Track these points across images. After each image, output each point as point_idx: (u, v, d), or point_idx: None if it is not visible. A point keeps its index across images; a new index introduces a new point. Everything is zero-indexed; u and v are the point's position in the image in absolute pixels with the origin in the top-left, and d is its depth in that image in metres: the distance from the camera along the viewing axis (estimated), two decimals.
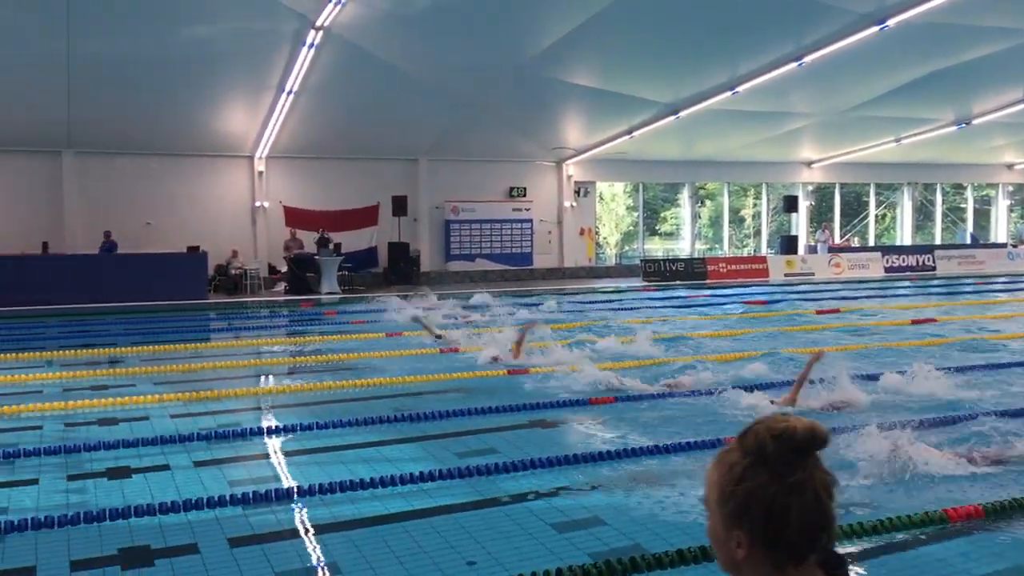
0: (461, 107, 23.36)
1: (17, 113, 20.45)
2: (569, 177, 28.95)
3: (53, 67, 18.69)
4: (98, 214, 22.84)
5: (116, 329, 15.24)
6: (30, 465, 6.33)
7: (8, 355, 11.54)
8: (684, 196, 32.91)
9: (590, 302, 19.75)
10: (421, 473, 5.75)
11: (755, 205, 35.88)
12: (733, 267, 27.63)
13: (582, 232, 29.37)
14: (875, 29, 18.95)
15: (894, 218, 36.24)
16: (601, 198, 32.57)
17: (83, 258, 21.30)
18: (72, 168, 22.93)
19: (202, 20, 17.94)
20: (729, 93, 22.90)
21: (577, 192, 29.19)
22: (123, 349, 12.22)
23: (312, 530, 4.97)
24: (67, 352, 12.07)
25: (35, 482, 5.97)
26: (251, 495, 5.39)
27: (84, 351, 12.00)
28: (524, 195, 28.13)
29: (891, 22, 18.65)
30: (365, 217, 25.58)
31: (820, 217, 34.02)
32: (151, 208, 23.58)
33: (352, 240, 24.98)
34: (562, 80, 21.82)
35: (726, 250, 33.11)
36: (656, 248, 34.02)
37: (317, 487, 5.53)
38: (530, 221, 28.03)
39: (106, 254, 21.69)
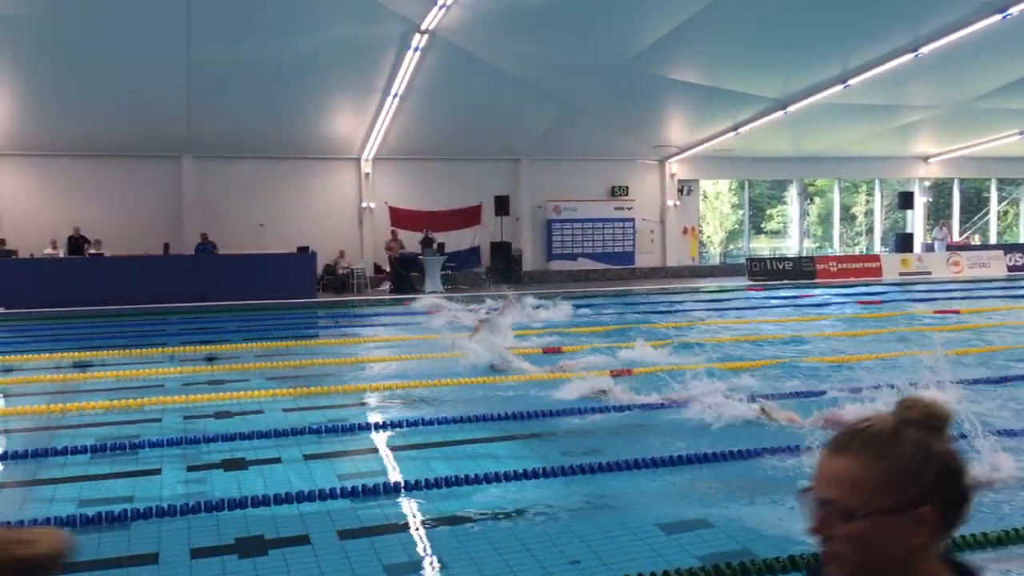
0: (563, 106, 23.36)
1: (141, 121, 21.50)
2: (672, 175, 28.57)
3: (173, 76, 19.60)
4: (215, 216, 23.81)
5: (231, 326, 15.83)
6: (153, 456, 6.64)
7: (132, 351, 12.14)
8: (792, 193, 32.04)
9: (694, 301, 19.45)
10: (525, 471, 5.77)
11: (867, 202, 34.66)
12: (844, 266, 26.74)
13: (685, 231, 28.95)
14: (997, 18, 18.02)
15: (1017, 215, 34.42)
16: (705, 196, 32.04)
17: (201, 258, 22.23)
18: (191, 172, 23.95)
19: (311, 28, 18.46)
20: (841, 86, 22.15)
21: (680, 190, 28.78)
22: (238, 346, 12.68)
23: (418, 524, 5.04)
24: (186, 348, 12.59)
25: (158, 472, 6.25)
26: (360, 488, 5.51)
27: (202, 347, 12.51)
28: (626, 194, 27.91)
29: (1014, 10, 17.70)
30: (468, 217, 25.88)
31: (937, 214, 32.55)
32: (264, 210, 24.41)
33: (455, 240, 25.32)
34: (666, 77, 21.54)
35: (836, 248, 32.07)
36: (762, 247, 33.26)
37: (423, 482, 5.62)
38: (632, 220, 27.79)
39: (217, 255, 22.57)
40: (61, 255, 21.96)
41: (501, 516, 5.11)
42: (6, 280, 19.49)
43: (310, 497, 5.37)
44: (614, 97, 23.08)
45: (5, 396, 9.43)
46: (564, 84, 22.02)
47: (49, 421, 7.97)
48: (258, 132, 22.84)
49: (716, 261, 32.17)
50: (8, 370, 11.08)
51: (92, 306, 18.71)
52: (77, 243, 22.18)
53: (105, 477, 6.17)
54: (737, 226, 33.56)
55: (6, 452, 6.88)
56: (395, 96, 21.63)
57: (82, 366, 10.91)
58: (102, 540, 4.89)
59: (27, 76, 19.67)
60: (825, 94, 22.78)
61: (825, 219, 34.09)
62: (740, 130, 25.55)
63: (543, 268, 26.91)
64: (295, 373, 10.33)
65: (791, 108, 23.84)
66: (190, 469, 6.31)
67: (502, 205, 25.36)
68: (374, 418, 7.89)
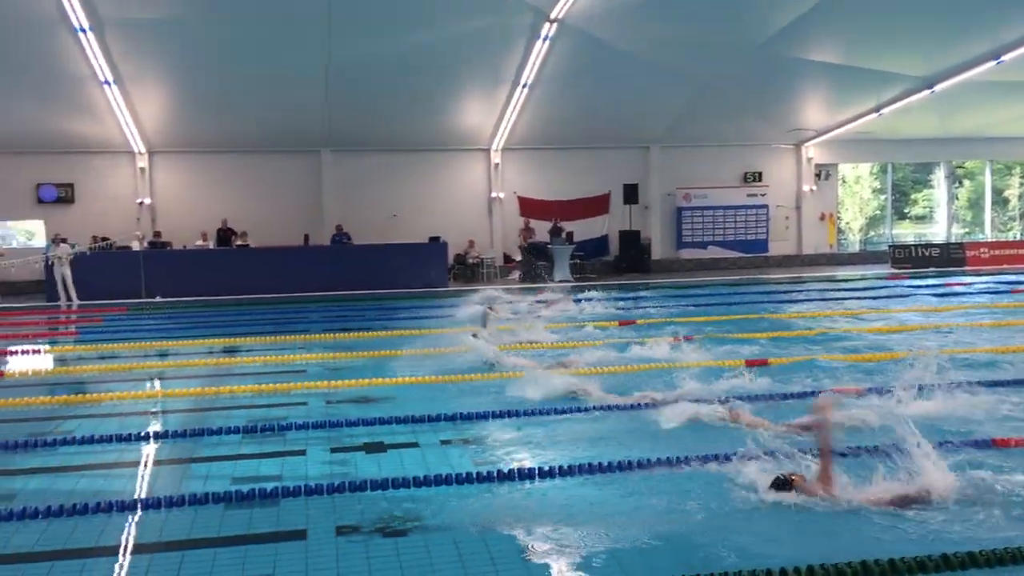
0: (695, 92, 22.94)
1: (284, 117, 22.46)
2: (809, 160, 27.61)
3: (314, 74, 20.41)
4: (350, 208, 24.64)
5: (370, 314, 16.32)
6: (299, 437, 6.94)
7: (277, 337, 12.72)
8: (939, 176, 30.43)
9: (838, 290, 18.75)
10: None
11: (1021, 184, 32.51)
12: (996, 252, 25.21)
13: (822, 217, 27.94)
14: None
15: None
16: (843, 181, 30.82)
17: (338, 248, 23.05)
18: (329, 165, 24.84)
19: (443, 22, 18.81)
20: (993, 63, 20.87)
21: (817, 175, 27.78)
22: (375, 333, 13.08)
23: (556, 511, 5.07)
24: (328, 335, 13.08)
25: (303, 453, 6.53)
26: (495, 473, 5.60)
27: (343, 334, 12.96)
28: (759, 180, 27.17)
29: None
30: (597, 206, 25.80)
31: None
32: (397, 201, 25.08)
33: (584, 229, 25.29)
34: (803, 58, 20.83)
35: (987, 234, 30.25)
36: (906, 232, 31.78)
37: (556, 469, 5.66)
38: (766, 207, 27.04)
39: (340, 245, 23.36)
40: (211, 247, 23.22)
41: (611, 505, 5.09)
42: (162, 270, 20.76)
43: (448, 481, 5.50)
44: (748, 80, 22.48)
45: (163, 379, 10.06)
46: (696, 68, 21.60)
47: (203, 403, 8.46)
48: (392, 126, 23.46)
49: (855, 248, 30.88)
50: (164, 355, 11.82)
51: (238, 295, 19.72)
52: (225, 235, 23.40)
53: (255, 457, 6.51)
54: (879, 211, 32.15)
55: (166, 431, 7.34)
56: (524, 86, 21.77)
57: (231, 351, 11.52)
58: (253, 516, 5.16)
59: (181, 78, 20.91)
60: (976, 71, 21.52)
61: (975, 203, 32.20)
62: (883, 111, 24.45)
63: (672, 257, 26.54)
64: (430, 360, 10.55)
65: (938, 87, 22.64)
66: (333, 451, 6.56)
67: (631, 193, 25.16)
68: (505, 406, 7.96)
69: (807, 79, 22.84)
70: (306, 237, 24.05)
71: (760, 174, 27.14)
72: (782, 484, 4.91)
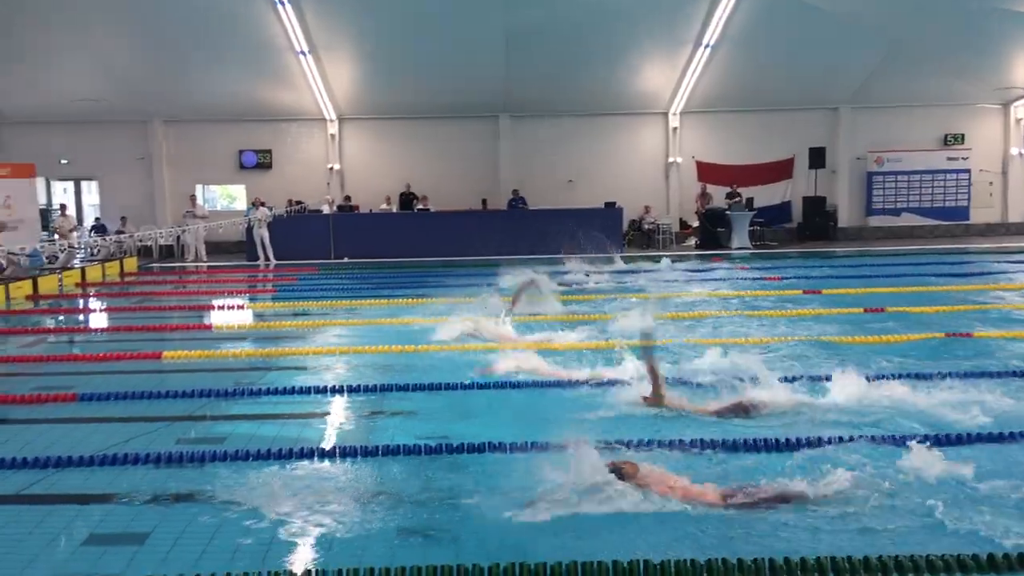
0: (890, 47, 21.54)
1: (463, 83, 22.92)
2: (1018, 120, 25.38)
3: (492, 39, 20.68)
4: (527, 173, 24.91)
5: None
6: (477, 397, 7.18)
7: (458, 298, 13.08)
8: None
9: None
10: None
11: None
12: None
13: None
14: None
15: None
16: None
17: (515, 213, 23.40)
18: (507, 131, 25.16)
19: None
20: None
21: None
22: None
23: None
24: (505, 299, 13.34)
25: (479, 413, 6.76)
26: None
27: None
28: (961, 142, 25.25)
29: None
30: (779, 170, 24.82)
31: None
32: (573, 166, 25.12)
33: (765, 194, 24.43)
34: (1011, 9, 19.09)
35: None
36: None
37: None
38: (967, 171, 25.12)
39: (517, 209, 23.59)
40: (394, 210, 24.16)
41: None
42: (349, 232, 21.81)
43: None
44: (950, 35, 20.85)
45: (353, 336, 10.59)
46: (891, 21, 20.25)
47: (396, 360, 8.84)
48: (569, 90, 23.45)
49: None
50: (352, 312, 12.46)
51: (419, 257, 20.46)
52: (407, 199, 24.28)
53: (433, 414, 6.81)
54: None
55: (359, 386, 7.74)
56: (706, 46, 21.20)
57: (411, 311, 11.97)
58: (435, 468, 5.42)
59: (370, 47, 21.77)
60: None
61: None
62: None
63: (860, 224, 25.20)
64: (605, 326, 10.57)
65: None
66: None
67: (817, 157, 24.05)
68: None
69: (1016, 31, 20.90)
70: (484, 201, 24.56)
71: (962, 136, 25.18)
72: (616, 472, 4.92)
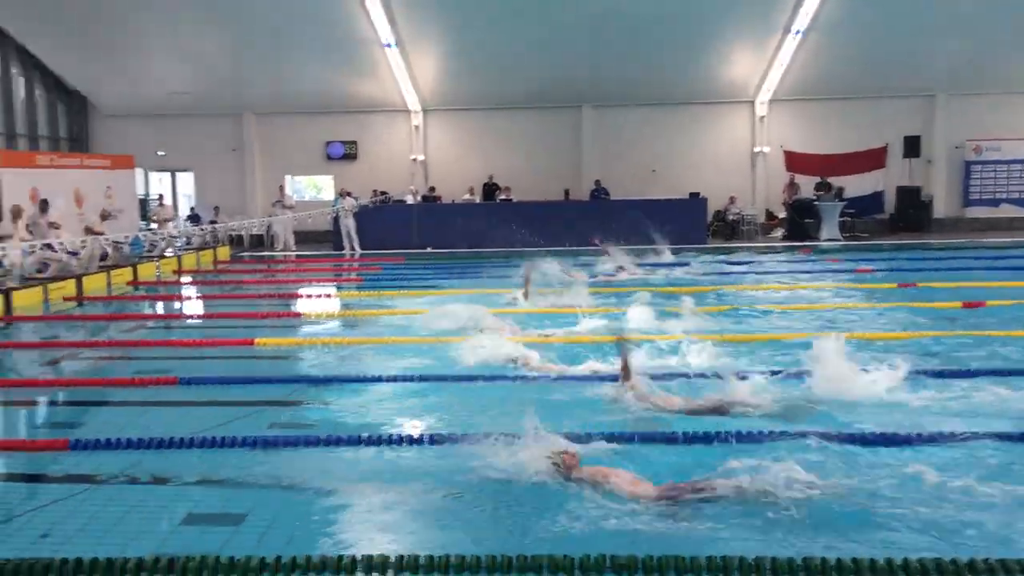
0: (988, 32, 20.67)
1: (547, 74, 22.90)
2: None
3: (578, 29, 20.59)
4: (609, 163, 24.75)
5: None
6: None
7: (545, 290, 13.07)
8: None
9: None
10: None
11: None
12: None
13: None
14: None
15: None
16: None
17: (597, 203, 23.26)
18: (590, 121, 25.04)
19: None
20: None
21: None
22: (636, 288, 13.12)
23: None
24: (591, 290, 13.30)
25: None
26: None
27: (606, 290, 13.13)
28: None
29: None
30: (871, 160, 24.06)
31: None
32: (656, 156, 24.85)
33: (855, 185, 23.74)
34: None
35: None
36: None
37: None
38: None
39: (598, 200, 23.40)
40: (476, 201, 24.30)
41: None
42: (433, 222, 22.03)
43: None
44: None
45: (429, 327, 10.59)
46: (989, 5, 19.43)
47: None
48: (653, 79, 23.21)
49: None
50: (434, 302, 12.55)
51: (501, 247, 20.50)
52: (490, 189, 24.39)
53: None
54: None
55: (445, 375, 7.81)
56: (796, 33, 20.73)
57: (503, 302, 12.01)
58: None
59: (454, 39, 21.96)
60: None
61: None
62: None
63: (957, 215, 24.29)
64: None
65: None
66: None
67: (912, 146, 23.26)
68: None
69: None
70: (566, 192, 24.50)
71: None
72: (556, 464, 5.00)
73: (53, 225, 15.43)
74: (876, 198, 24.11)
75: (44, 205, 15.71)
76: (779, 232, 23.38)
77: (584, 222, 21.59)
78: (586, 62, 22.27)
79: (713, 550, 3.99)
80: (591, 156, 24.99)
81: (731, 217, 24.03)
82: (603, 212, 22.36)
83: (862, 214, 23.53)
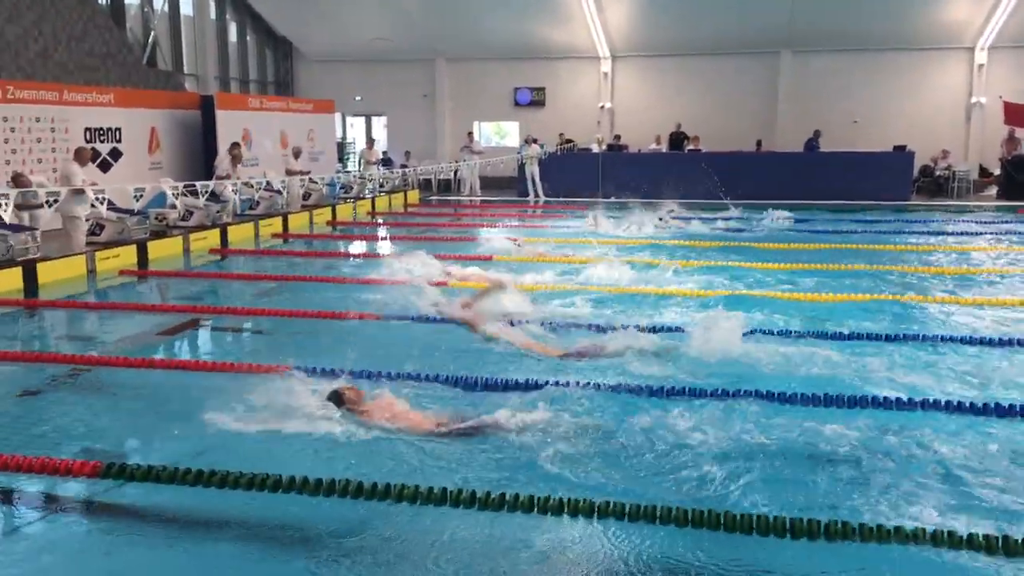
0: None
1: (743, 17, 22.00)
2: None
3: None
4: (808, 113, 23.55)
5: (825, 227, 15.56)
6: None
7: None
8: None
9: None
10: None
11: None
12: None
13: None
14: None
15: None
16: None
17: (792, 156, 22.21)
18: (788, 67, 23.89)
19: None
20: None
21: None
22: (831, 245, 12.52)
23: None
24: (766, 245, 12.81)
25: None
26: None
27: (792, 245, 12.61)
28: None
29: None
30: None
31: None
32: (858, 106, 23.45)
33: None
34: None
35: None
36: None
37: None
38: None
39: (810, 153, 22.23)
40: (663, 150, 23.80)
41: None
42: (618, 172, 21.75)
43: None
44: None
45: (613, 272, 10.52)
46: None
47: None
48: (860, 22, 21.80)
49: None
50: (616, 249, 12.46)
51: (688, 199, 19.96)
52: (677, 139, 23.79)
53: None
54: None
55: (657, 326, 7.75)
56: None
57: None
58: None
59: None
60: None
61: None
62: None
63: None
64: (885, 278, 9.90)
65: None
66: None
67: None
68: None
69: None
70: (758, 143, 23.55)
71: None
72: (335, 398, 5.22)
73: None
74: None
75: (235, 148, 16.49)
76: (993, 190, 21.57)
77: (775, 175, 20.75)
78: (786, 5, 21.17)
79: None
80: (788, 105, 23.93)
81: (939, 173, 22.36)
82: (796, 165, 21.34)
83: None
